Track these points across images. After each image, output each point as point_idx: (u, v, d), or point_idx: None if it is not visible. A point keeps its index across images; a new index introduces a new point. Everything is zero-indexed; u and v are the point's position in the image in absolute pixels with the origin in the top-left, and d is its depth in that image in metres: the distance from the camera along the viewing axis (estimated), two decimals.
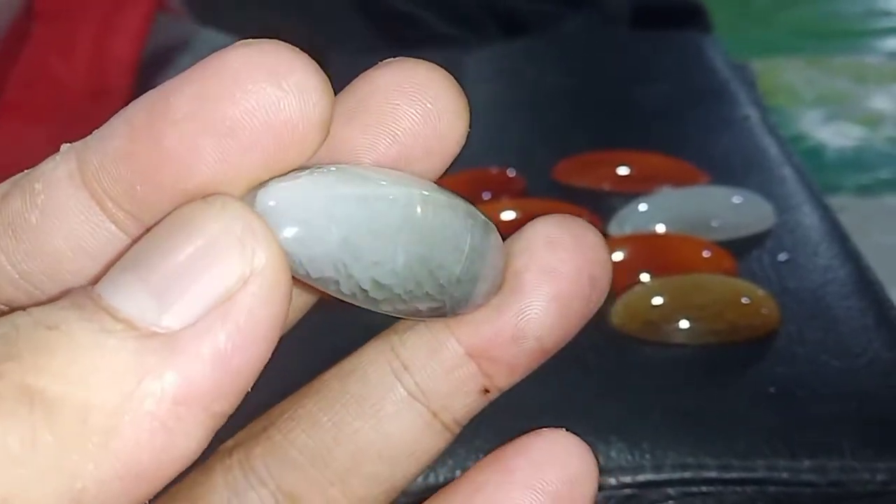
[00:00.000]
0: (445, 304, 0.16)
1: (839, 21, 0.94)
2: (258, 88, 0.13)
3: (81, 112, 0.57)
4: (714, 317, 0.36)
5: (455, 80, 0.16)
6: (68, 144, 0.15)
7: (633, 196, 0.45)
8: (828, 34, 0.91)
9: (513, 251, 0.17)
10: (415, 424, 0.18)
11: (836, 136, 0.75)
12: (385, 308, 0.16)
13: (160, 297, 0.13)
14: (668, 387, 0.35)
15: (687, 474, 0.32)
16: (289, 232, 0.14)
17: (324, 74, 0.14)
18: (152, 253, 0.13)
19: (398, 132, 0.16)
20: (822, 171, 0.69)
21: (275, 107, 0.13)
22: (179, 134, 0.13)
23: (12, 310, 0.13)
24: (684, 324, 0.36)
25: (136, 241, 0.14)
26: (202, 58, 0.14)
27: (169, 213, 0.13)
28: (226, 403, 0.13)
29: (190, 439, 0.12)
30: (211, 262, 0.13)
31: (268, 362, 0.13)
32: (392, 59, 0.16)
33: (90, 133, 0.15)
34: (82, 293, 0.13)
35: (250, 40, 0.14)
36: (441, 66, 0.16)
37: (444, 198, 0.16)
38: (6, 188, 0.15)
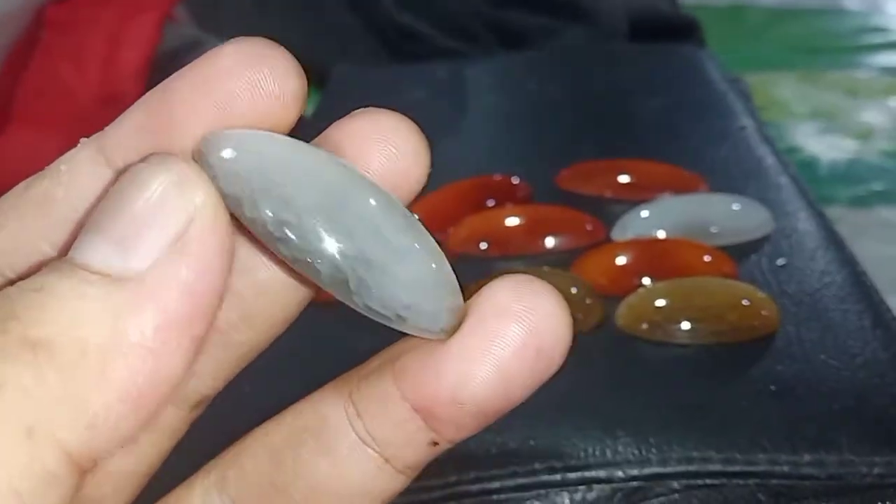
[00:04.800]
0: (348, 279, 0.17)
1: (831, 37, 0.96)
2: (248, 69, 0.16)
3: (92, 119, 0.58)
4: (715, 318, 0.38)
5: (417, 127, 0.18)
6: (86, 138, 0.17)
7: (635, 203, 0.46)
8: (820, 49, 0.93)
9: (467, 312, 0.17)
10: (368, 467, 0.18)
11: (829, 149, 0.76)
12: (283, 252, 0.16)
13: (122, 246, 0.15)
14: (672, 384, 0.36)
15: (692, 467, 0.33)
16: (226, 152, 0.16)
17: (297, 63, 0.17)
18: (108, 211, 0.15)
19: (367, 172, 0.17)
20: (815, 184, 0.70)
21: (261, 82, 0.16)
22: (187, 105, 0.16)
23: None
24: (686, 325, 0.38)
25: (93, 206, 0.16)
26: None
27: (117, 176, 0.16)
28: (199, 325, 0.15)
29: (175, 360, 0.15)
30: (158, 209, 0.15)
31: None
32: (363, 109, 0.18)
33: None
34: (57, 260, 0.15)
35: (242, 38, 0.17)
36: (406, 120, 0.18)
37: (387, 198, 0.17)
38: (32, 179, 0.17)
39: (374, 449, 0.18)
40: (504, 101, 0.62)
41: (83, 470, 0.14)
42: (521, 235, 0.46)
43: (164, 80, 0.17)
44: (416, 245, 0.17)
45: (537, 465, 0.33)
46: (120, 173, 0.15)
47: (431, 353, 0.17)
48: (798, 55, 0.92)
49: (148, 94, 0.17)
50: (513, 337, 0.17)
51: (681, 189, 0.48)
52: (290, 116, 0.17)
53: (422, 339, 0.18)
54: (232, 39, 0.16)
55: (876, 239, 0.66)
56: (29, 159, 0.56)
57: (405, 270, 0.17)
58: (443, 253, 0.17)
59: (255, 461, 0.19)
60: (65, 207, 0.17)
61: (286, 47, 0.17)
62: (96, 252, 0.15)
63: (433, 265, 0.17)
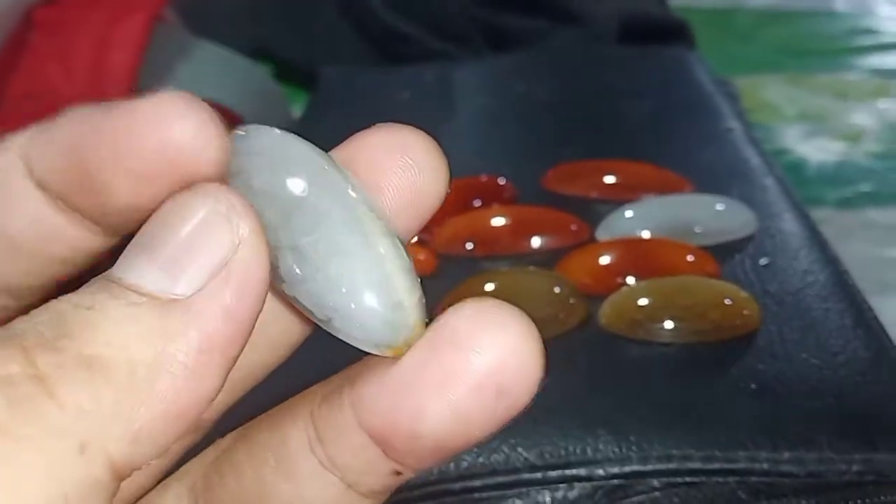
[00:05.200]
0: (278, 264, 0.17)
1: (821, 39, 0.96)
2: (166, 125, 0.16)
3: None
4: (698, 317, 0.38)
5: (436, 143, 0.18)
6: (9, 137, 0.17)
7: (620, 204, 0.46)
8: (810, 52, 0.93)
9: (424, 341, 0.17)
10: (331, 492, 0.18)
11: (817, 151, 0.76)
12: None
13: (170, 271, 0.15)
14: (653, 383, 0.36)
15: (672, 465, 0.33)
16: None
17: (214, 116, 0.16)
18: (156, 236, 0.16)
19: (384, 186, 0.18)
20: (803, 185, 0.71)
21: (182, 138, 0.16)
22: (109, 159, 0.16)
23: None
24: (669, 324, 0.38)
25: (141, 227, 0.16)
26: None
27: (164, 202, 0.16)
28: (237, 348, 0.16)
29: (214, 380, 0.15)
30: (206, 237, 0.15)
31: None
32: (384, 124, 0.18)
33: None
34: (106, 279, 0.16)
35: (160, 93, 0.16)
36: (427, 136, 0.18)
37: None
38: None
39: (334, 473, 0.18)
40: (491, 103, 0.62)
41: (122, 477, 0.15)
42: (506, 235, 0.46)
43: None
44: (365, 250, 0.16)
45: (518, 464, 0.33)
46: (167, 199, 0.16)
47: (385, 380, 0.17)
48: (788, 57, 0.92)
49: (77, 116, 0.17)
50: (470, 373, 0.16)
51: (666, 190, 0.48)
52: (211, 166, 0.16)
53: (374, 357, 0.17)
54: (151, 94, 0.16)
55: (863, 240, 0.67)
56: None
57: (339, 269, 0.16)
58: (410, 269, 0.17)
59: (221, 477, 0.19)
60: None
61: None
62: (144, 275, 0.15)
63: (381, 274, 0.16)
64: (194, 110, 0.16)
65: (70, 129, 0.17)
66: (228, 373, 0.16)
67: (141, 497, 0.20)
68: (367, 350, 0.17)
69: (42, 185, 0.17)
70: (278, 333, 0.19)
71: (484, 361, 0.16)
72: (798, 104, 0.83)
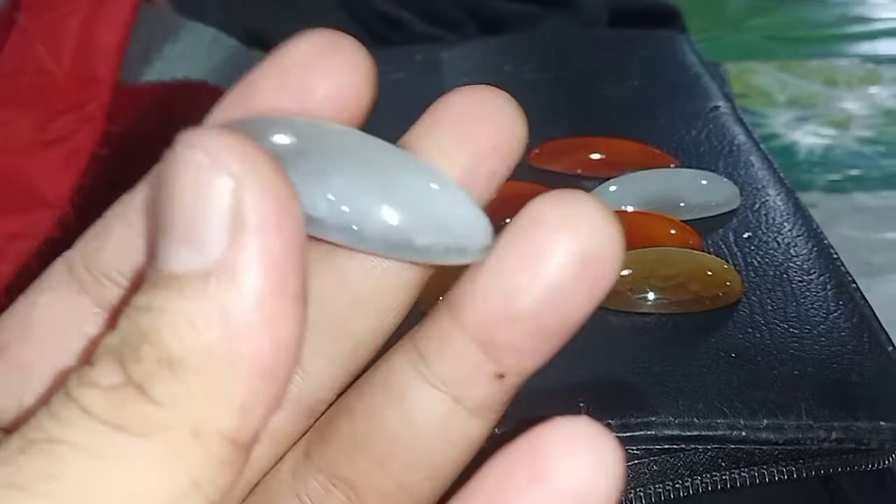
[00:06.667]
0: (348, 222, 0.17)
1: (812, 26, 0.96)
2: (322, 61, 0.18)
3: (68, 101, 0.58)
4: (678, 287, 0.38)
5: (512, 98, 0.19)
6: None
7: (605, 180, 0.46)
8: (801, 39, 0.93)
9: (508, 231, 0.17)
10: (438, 411, 0.18)
11: (807, 135, 0.76)
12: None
13: (193, 244, 0.15)
14: (634, 353, 0.36)
15: (650, 432, 0.33)
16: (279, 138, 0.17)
17: (366, 51, 0.18)
18: (165, 212, 0.15)
19: (467, 140, 0.19)
20: (793, 169, 0.71)
21: (335, 73, 0.18)
22: (267, 99, 0.18)
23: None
24: (650, 294, 0.38)
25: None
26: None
27: (158, 176, 0.15)
28: (292, 281, 0.15)
29: (287, 321, 0.15)
30: (201, 194, 0.15)
31: None
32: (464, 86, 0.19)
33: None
34: (151, 275, 0.15)
35: (311, 31, 0.18)
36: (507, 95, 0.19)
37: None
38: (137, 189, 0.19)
39: (441, 390, 0.18)
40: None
41: (247, 447, 0.15)
42: (492, 212, 0.46)
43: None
44: (435, 177, 0.17)
45: (496, 431, 0.33)
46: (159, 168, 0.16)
47: (476, 275, 0.17)
48: (779, 44, 0.93)
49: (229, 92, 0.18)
50: (553, 244, 0.16)
51: (651, 166, 0.48)
52: (363, 103, 0.18)
53: (463, 266, 0.18)
54: (303, 33, 0.18)
55: (851, 223, 0.67)
56: (4, 139, 0.56)
57: (403, 194, 0.17)
58: (465, 190, 0.18)
59: (331, 422, 0.19)
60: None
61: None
62: (176, 257, 0.15)
63: (454, 188, 0.17)
64: (346, 43, 0.18)
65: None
66: (302, 312, 0.15)
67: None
68: (462, 261, 0.17)
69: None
70: (384, 288, 0.19)
71: (566, 233, 0.16)
72: (789, 90, 0.83)
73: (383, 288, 0.19)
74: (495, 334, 0.17)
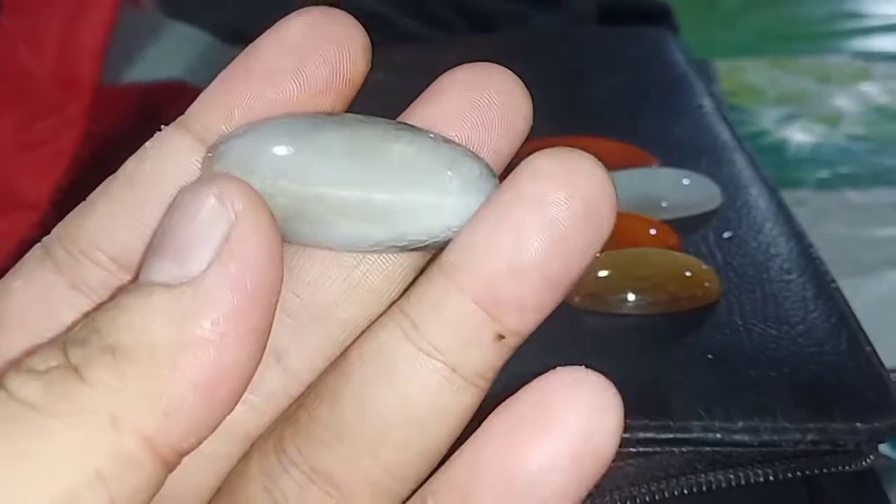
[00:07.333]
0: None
1: (803, 23, 0.96)
2: (318, 33, 0.19)
3: (50, 101, 0.58)
4: (656, 288, 0.38)
5: (516, 76, 0.19)
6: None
7: None
8: (792, 36, 0.93)
9: (502, 187, 0.17)
10: (433, 382, 0.18)
11: (797, 132, 0.76)
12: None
13: (179, 260, 0.16)
14: (611, 354, 0.36)
15: (625, 434, 0.32)
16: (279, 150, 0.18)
17: (360, 25, 0.19)
18: (164, 234, 0.17)
19: (467, 112, 0.19)
20: (783, 167, 0.71)
21: (331, 45, 0.19)
22: (262, 77, 0.18)
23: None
24: (628, 295, 0.37)
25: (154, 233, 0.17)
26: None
27: (167, 210, 0.17)
28: (256, 317, 0.16)
29: (238, 350, 0.16)
30: (205, 222, 0.16)
31: None
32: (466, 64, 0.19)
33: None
34: (128, 286, 0.17)
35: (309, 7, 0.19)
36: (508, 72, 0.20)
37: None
38: (123, 166, 0.19)
39: (437, 358, 0.18)
40: None
41: (164, 460, 0.16)
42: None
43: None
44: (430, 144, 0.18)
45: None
46: (174, 198, 0.17)
47: (476, 229, 0.17)
48: (771, 41, 0.92)
49: (227, 69, 0.19)
50: (555, 194, 0.17)
51: (633, 165, 0.47)
52: (359, 71, 0.19)
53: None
54: (301, 9, 0.18)
55: (841, 221, 0.67)
56: None
57: (410, 164, 0.18)
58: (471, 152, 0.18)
59: (312, 412, 0.19)
60: (153, 180, 0.19)
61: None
62: (157, 270, 0.16)
63: (451, 149, 0.18)
64: (342, 17, 0.19)
65: (216, 80, 0.19)
66: (259, 345, 0.16)
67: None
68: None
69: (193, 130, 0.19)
70: (378, 274, 0.19)
71: (566, 183, 0.17)
72: (780, 87, 0.83)
73: (377, 272, 0.19)
74: (500, 290, 0.17)
